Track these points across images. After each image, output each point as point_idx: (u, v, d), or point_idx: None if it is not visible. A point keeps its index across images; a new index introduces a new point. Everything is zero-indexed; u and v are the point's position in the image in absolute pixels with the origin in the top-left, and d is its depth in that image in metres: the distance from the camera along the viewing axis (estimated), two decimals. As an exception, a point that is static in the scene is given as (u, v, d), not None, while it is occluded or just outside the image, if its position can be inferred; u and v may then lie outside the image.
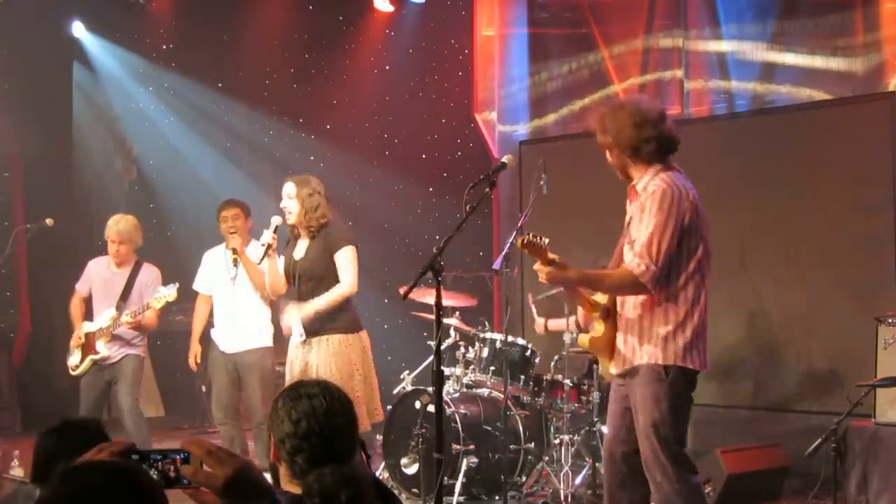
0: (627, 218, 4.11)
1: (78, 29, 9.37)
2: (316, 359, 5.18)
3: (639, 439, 3.96)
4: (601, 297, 4.14)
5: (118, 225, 6.35)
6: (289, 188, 5.32)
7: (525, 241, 3.84)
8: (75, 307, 6.47)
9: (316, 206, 5.27)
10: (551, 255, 3.92)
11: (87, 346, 6.27)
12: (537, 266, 3.95)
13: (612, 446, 4.11)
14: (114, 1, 9.51)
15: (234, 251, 6.21)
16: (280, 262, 5.50)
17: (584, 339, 4.21)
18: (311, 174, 5.50)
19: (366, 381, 5.25)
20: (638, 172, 4.04)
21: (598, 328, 4.12)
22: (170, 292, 6.08)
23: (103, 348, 6.22)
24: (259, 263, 5.46)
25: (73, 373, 6.34)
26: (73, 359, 6.32)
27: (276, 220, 5.37)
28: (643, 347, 3.94)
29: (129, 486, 1.68)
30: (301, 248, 5.35)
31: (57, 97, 9.40)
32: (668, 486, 3.90)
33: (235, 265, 6.25)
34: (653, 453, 3.90)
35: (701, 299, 3.97)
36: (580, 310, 4.40)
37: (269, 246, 5.30)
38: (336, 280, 5.26)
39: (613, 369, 4.08)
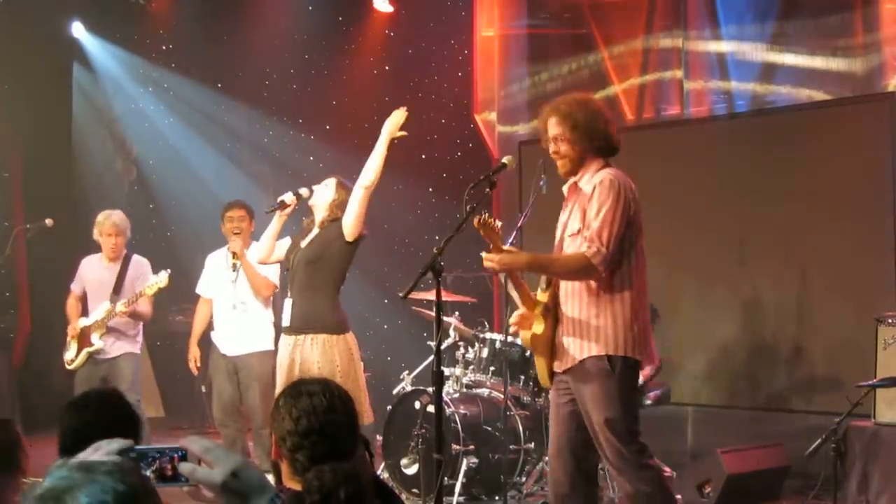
0: (564, 217, 4.11)
1: (78, 29, 9.37)
2: (300, 357, 5.18)
3: (596, 438, 3.93)
4: (542, 295, 4.10)
5: (112, 218, 6.40)
6: (331, 182, 5.38)
7: (481, 221, 3.84)
8: (71, 307, 6.51)
9: (345, 203, 5.29)
10: (506, 248, 3.95)
11: (83, 340, 6.32)
12: (487, 253, 3.91)
13: (562, 450, 4.05)
14: (114, 1, 9.52)
15: (234, 254, 6.21)
16: (286, 242, 5.51)
17: (526, 336, 4.12)
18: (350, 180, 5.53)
19: (351, 382, 5.22)
20: (587, 168, 4.05)
21: (538, 326, 4.06)
22: (161, 278, 6.15)
23: (98, 340, 6.27)
24: (267, 212, 5.46)
25: (69, 367, 6.38)
26: (70, 353, 6.37)
27: (304, 191, 5.40)
28: (588, 341, 3.92)
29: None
30: (308, 238, 5.37)
31: (57, 98, 9.40)
32: (635, 477, 3.90)
33: (235, 270, 6.25)
34: (614, 449, 3.88)
35: (644, 292, 4.01)
36: (514, 314, 4.33)
37: (284, 204, 5.33)
38: (333, 266, 5.25)
39: (557, 367, 4.04)
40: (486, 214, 3.87)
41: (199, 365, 6.52)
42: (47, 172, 9.00)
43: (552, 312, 4.07)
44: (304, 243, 5.37)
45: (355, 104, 9.51)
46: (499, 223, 3.91)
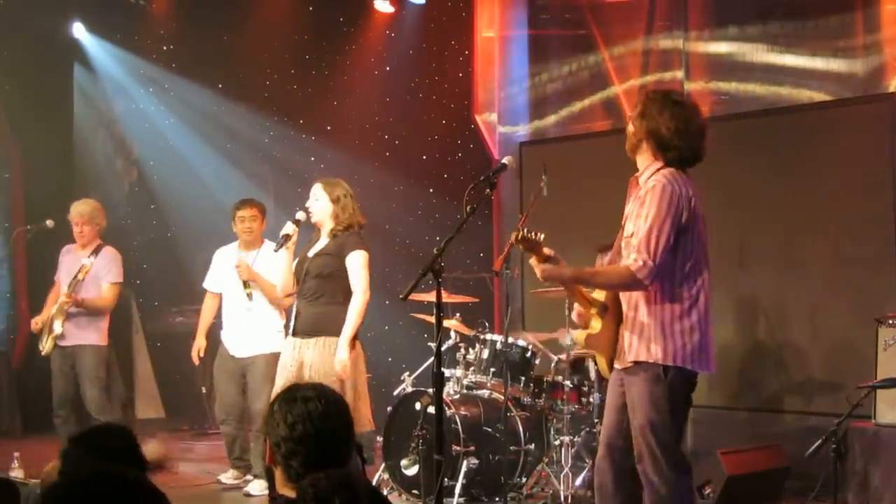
0: (627, 211, 4.06)
1: (78, 30, 9.38)
2: (310, 359, 5.16)
3: (634, 438, 3.91)
4: (599, 294, 4.09)
5: (78, 207, 6.59)
6: (316, 190, 5.34)
7: (520, 237, 3.79)
8: (51, 293, 6.65)
9: (345, 207, 5.28)
10: (546, 251, 3.89)
11: (50, 327, 6.46)
12: (533, 262, 3.91)
13: (612, 439, 4.05)
14: (114, 2, 9.52)
15: (246, 284, 6.25)
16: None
17: (580, 336, 4.15)
18: (336, 178, 5.51)
19: (352, 390, 5.20)
20: (645, 162, 3.99)
21: (595, 325, 4.06)
22: (88, 262, 6.34)
23: (58, 326, 6.40)
24: (275, 250, 5.44)
25: (42, 354, 6.53)
26: (42, 340, 6.53)
27: (301, 215, 5.37)
28: (643, 345, 3.88)
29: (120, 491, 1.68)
30: (316, 248, 5.35)
31: (57, 98, 9.41)
32: (662, 486, 3.86)
33: (246, 289, 6.30)
34: (649, 453, 3.86)
35: (700, 299, 3.90)
36: (576, 306, 4.36)
37: (288, 237, 5.29)
38: (341, 283, 5.24)
39: (617, 365, 4.02)
40: (525, 229, 3.80)
41: (201, 356, 6.53)
42: (47, 172, 9.00)
43: (610, 311, 4.04)
44: (312, 252, 5.35)
45: (356, 105, 9.51)
46: (542, 235, 3.84)
